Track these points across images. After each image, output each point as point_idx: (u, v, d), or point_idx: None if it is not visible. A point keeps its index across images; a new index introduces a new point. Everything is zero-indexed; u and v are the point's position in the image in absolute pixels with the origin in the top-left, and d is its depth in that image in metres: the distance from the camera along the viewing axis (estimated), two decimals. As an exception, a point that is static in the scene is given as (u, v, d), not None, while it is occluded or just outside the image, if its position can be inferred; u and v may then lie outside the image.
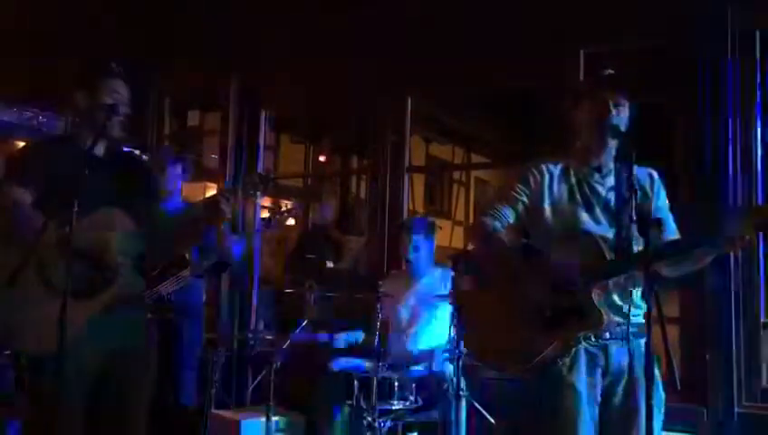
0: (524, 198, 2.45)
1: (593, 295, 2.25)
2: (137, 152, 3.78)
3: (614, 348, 2.34)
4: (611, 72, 2.47)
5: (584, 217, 2.40)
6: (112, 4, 5.49)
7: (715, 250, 2.27)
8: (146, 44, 5.30)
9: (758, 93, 3.72)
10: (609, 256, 2.29)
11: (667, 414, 2.34)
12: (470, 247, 2.69)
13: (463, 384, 3.54)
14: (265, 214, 5.20)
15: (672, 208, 2.52)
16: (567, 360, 2.32)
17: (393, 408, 3.57)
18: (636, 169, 2.40)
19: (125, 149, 2.92)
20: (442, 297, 3.93)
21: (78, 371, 2.50)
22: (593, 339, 2.33)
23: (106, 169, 2.64)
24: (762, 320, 3.62)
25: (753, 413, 3.55)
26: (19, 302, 2.41)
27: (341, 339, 4.19)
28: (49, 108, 5.66)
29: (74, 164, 2.49)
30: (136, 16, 5.43)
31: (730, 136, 3.70)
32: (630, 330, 2.32)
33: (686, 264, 2.35)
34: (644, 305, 2.33)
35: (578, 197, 2.43)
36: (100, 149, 2.68)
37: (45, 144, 2.50)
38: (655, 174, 2.50)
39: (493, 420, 3.61)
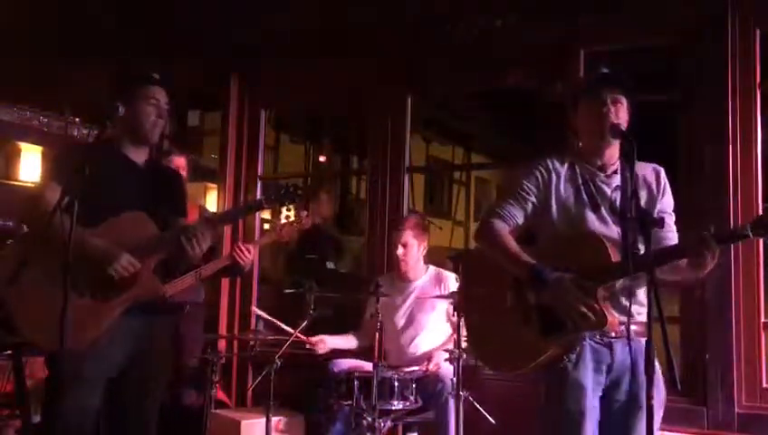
0: (533, 198, 2.44)
1: (598, 295, 2.26)
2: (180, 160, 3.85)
3: (619, 346, 2.35)
4: (607, 70, 2.46)
5: (590, 217, 2.40)
6: (112, 4, 5.48)
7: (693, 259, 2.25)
8: (146, 44, 5.30)
9: (758, 93, 3.72)
10: (614, 256, 2.29)
11: (667, 414, 2.35)
12: (478, 248, 2.66)
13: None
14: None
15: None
16: (573, 356, 2.33)
17: (393, 408, 3.57)
18: (643, 165, 2.41)
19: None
20: (439, 298, 3.93)
21: (96, 370, 2.57)
22: (599, 337, 2.35)
23: (142, 178, 2.74)
24: (762, 320, 3.62)
25: (753, 413, 3.55)
26: (42, 302, 2.43)
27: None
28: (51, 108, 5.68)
29: (109, 168, 2.64)
30: (136, 16, 5.42)
31: (730, 136, 3.70)
32: (634, 329, 2.31)
33: (674, 272, 2.35)
34: (647, 304, 2.34)
35: (584, 197, 2.42)
36: (140, 158, 2.77)
37: (83, 147, 2.59)
38: (661, 170, 2.49)
39: (493, 421, 3.60)
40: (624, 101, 2.41)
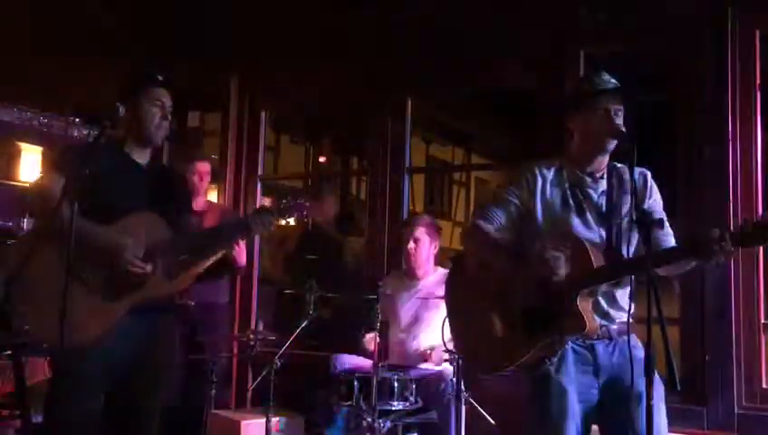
0: (517, 201, 2.47)
1: (578, 300, 2.26)
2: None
3: (600, 347, 2.38)
4: (615, 82, 2.46)
5: (575, 221, 2.42)
6: (112, 4, 5.49)
7: (701, 260, 2.23)
8: (146, 44, 5.30)
9: (758, 93, 3.72)
10: (596, 261, 2.30)
11: (667, 414, 2.35)
12: (464, 251, 2.69)
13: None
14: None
15: (669, 209, 2.53)
16: (555, 359, 2.35)
17: (393, 408, 3.57)
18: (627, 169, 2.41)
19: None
20: (442, 298, 3.93)
21: (102, 368, 2.56)
22: (580, 340, 2.37)
23: (145, 178, 2.73)
24: (761, 321, 3.62)
25: (753, 413, 3.55)
26: (50, 297, 2.40)
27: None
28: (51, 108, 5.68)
29: (113, 168, 2.63)
30: (136, 16, 5.43)
31: (730, 136, 3.70)
32: (614, 328, 2.37)
33: (674, 267, 2.35)
34: (628, 307, 2.35)
35: (570, 201, 2.44)
36: (143, 159, 2.76)
37: (86, 145, 2.56)
38: (648, 173, 2.50)
39: (492, 421, 3.60)
40: (623, 107, 2.43)
